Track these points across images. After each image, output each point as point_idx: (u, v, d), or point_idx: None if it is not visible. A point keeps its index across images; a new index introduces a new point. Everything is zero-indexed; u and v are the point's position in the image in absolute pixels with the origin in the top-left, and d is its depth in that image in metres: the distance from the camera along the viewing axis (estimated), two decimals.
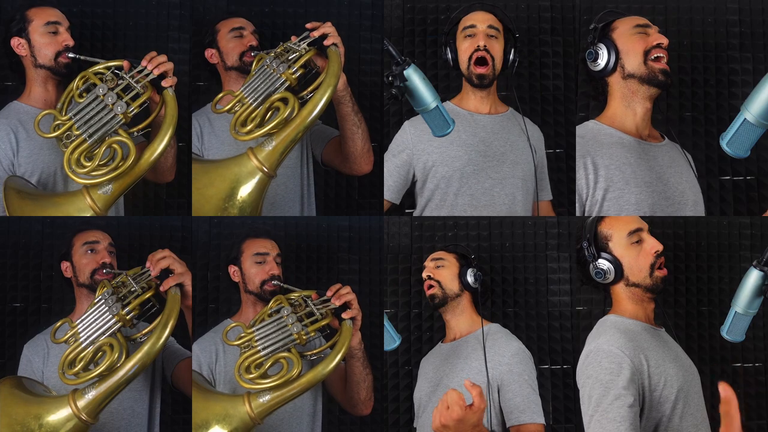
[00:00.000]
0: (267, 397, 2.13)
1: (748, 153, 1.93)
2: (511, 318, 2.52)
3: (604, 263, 2.04)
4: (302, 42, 2.18)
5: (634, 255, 2.03)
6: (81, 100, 2.09)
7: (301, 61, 2.16)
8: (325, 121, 2.38)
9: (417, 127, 2.33)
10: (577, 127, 2.25)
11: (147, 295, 2.12)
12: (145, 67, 2.09)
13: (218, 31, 2.42)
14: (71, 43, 2.24)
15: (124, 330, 2.12)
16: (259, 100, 2.14)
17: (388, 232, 2.52)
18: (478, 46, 2.30)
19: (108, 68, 2.11)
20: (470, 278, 2.33)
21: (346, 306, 2.18)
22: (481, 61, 2.30)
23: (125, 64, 2.10)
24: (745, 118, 1.88)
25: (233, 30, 2.40)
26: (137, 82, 2.09)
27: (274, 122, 2.12)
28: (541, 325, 2.51)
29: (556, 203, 2.49)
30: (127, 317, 2.10)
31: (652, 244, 2.02)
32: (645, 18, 2.19)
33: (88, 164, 2.08)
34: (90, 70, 2.11)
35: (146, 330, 2.09)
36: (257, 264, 2.35)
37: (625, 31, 2.18)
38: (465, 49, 2.32)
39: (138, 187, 2.38)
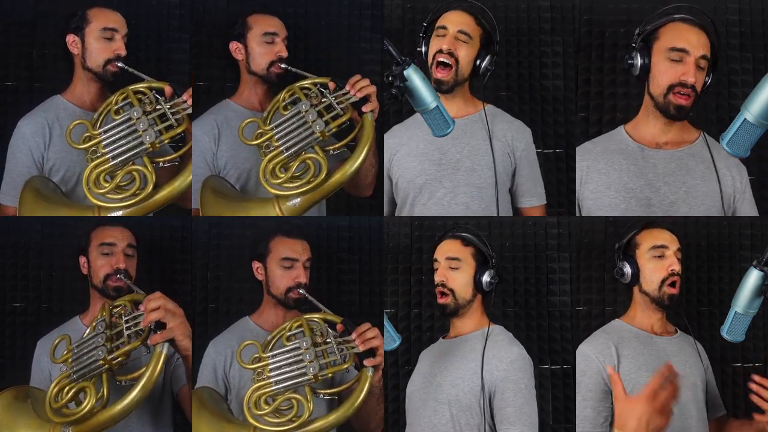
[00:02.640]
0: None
1: (748, 153, 1.94)
2: (511, 318, 2.52)
3: (625, 265, 2.24)
4: (343, 98, 2.15)
5: (652, 267, 2.23)
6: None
7: (339, 122, 2.14)
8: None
9: (393, 137, 2.36)
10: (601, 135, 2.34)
11: (135, 345, 2.03)
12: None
13: (250, 28, 2.36)
14: (123, 53, 2.25)
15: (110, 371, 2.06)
16: (291, 151, 2.14)
17: (388, 232, 2.52)
18: (441, 48, 2.29)
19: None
20: (485, 281, 2.25)
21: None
22: (442, 65, 2.29)
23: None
24: (745, 118, 1.88)
25: (266, 35, 2.34)
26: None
27: (305, 184, 2.12)
28: (541, 325, 2.51)
29: (556, 203, 2.49)
30: (113, 362, 2.04)
31: (671, 262, 2.21)
32: (695, 28, 2.18)
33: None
34: (131, 88, 2.12)
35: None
36: (285, 269, 2.30)
37: (663, 48, 2.18)
38: (431, 49, 2.31)
39: None
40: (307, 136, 2.12)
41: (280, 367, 2.10)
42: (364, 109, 2.14)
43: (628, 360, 2.18)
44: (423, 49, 2.32)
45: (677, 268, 2.22)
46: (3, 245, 2.50)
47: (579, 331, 2.44)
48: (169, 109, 2.09)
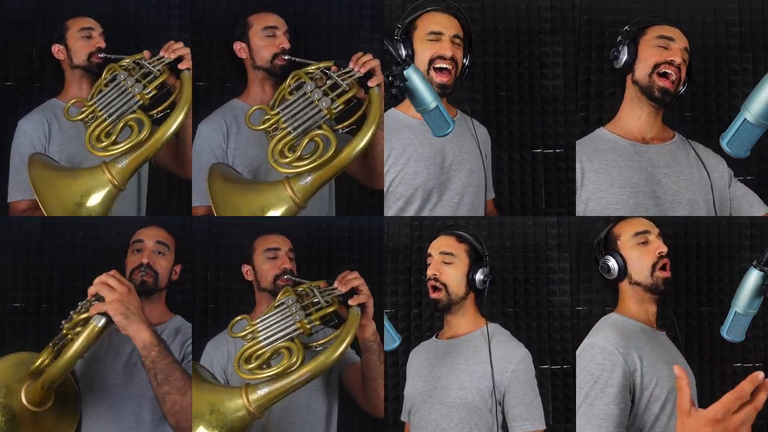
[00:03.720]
0: (266, 390, 2.07)
1: (748, 153, 1.94)
2: (511, 318, 2.52)
3: (609, 259, 2.22)
4: (347, 76, 2.16)
5: (638, 254, 2.19)
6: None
7: (345, 98, 2.14)
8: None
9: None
10: (583, 137, 2.35)
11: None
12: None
13: (251, 26, 2.40)
14: (103, 45, 2.39)
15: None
16: (299, 130, 2.14)
17: (388, 232, 2.52)
18: (443, 54, 2.28)
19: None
20: (479, 278, 2.26)
21: (354, 293, 2.15)
22: (443, 70, 2.28)
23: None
24: (745, 118, 1.88)
25: (267, 29, 2.38)
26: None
27: (314, 160, 2.12)
28: (541, 325, 2.51)
29: (556, 203, 2.49)
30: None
31: (657, 246, 2.18)
32: (677, 29, 2.26)
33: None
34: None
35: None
36: (269, 260, 2.36)
37: (650, 38, 2.26)
38: (425, 54, 2.29)
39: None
40: (314, 114, 2.13)
41: (268, 326, 2.13)
42: (369, 83, 2.15)
43: (647, 353, 2.12)
44: (404, 51, 2.29)
45: (664, 249, 2.18)
46: (3, 245, 2.50)
47: (579, 331, 2.44)
48: (149, 63, 2.22)
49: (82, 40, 2.39)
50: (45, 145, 2.35)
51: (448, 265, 2.26)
